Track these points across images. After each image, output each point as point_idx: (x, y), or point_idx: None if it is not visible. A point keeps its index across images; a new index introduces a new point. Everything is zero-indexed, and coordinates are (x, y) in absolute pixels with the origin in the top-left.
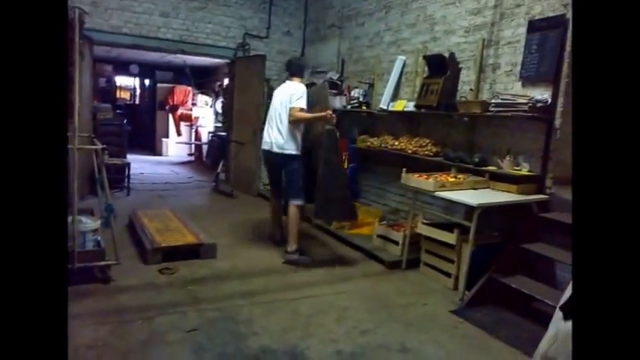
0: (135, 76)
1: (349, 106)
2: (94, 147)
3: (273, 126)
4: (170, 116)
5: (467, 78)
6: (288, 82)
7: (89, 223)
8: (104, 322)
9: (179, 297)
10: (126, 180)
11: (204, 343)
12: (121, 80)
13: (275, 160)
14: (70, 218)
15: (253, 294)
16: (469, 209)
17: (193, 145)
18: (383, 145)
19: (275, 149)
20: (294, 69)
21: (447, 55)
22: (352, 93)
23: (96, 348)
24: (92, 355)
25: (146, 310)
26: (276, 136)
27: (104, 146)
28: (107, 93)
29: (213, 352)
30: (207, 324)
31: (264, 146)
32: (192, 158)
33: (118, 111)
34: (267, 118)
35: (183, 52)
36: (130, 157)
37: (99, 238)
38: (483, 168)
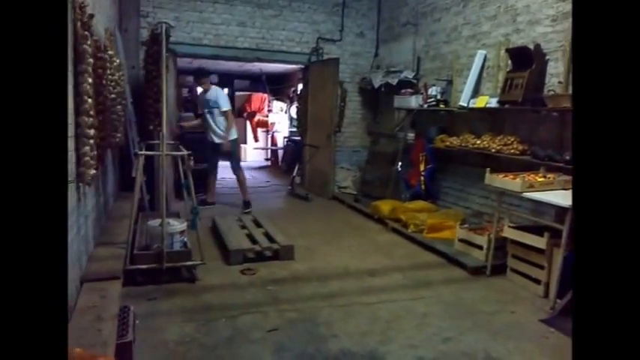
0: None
1: (426, 105)
2: (180, 153)
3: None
4: (248, 123)
5: (555, 70)
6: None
7: (177, 225)
8: (191, 320)
9: (260, 297)
10: None
11: (285, 343)
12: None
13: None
14: (159, 220)
15: (332, 296)
16: (560, 211)
17: (270, 150)
18: (463, 145)
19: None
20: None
21: (531, 46)
22: (429, 91)
23: (184, 344)
24: (181, 350)
25: (230, 309)
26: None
27: (190, 152)
28: (190, 102)
29: (293, 352)
30: (287, 324)
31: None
32: (268, 163)
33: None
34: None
35: (259, 60)
36: None
37: (185, 239)
38: None
